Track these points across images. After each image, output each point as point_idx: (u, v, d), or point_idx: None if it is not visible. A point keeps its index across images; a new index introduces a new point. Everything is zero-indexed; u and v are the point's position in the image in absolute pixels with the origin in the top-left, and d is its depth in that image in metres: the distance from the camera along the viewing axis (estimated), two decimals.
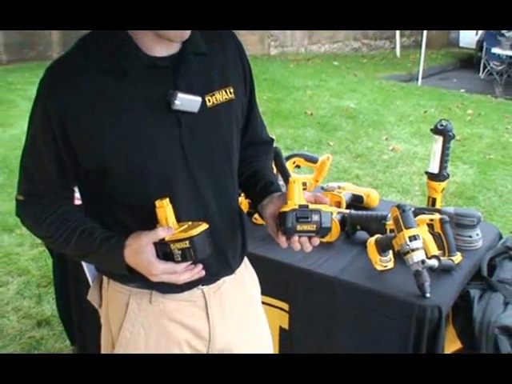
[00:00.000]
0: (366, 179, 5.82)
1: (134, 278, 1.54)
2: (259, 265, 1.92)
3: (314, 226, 1.50)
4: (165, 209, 1.44)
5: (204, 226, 1.44)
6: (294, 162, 2.66)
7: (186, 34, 1.45)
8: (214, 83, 1.56)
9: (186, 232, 1.43)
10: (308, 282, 2.20)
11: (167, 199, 1.44)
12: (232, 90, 1.59)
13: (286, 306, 2.27)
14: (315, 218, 1.50)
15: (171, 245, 1.43)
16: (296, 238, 1.52)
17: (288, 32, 12.71)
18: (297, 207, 1.51)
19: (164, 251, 1.44)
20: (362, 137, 7.16)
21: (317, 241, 1.55)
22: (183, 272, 1.47)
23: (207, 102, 1.53)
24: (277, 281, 2.25)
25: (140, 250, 1.44)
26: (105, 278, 1.69)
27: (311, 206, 1.51)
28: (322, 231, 1.52)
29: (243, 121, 1.69)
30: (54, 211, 1.57)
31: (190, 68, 1.51)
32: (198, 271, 1.50)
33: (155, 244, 1.44)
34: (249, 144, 1.75)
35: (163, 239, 1.43)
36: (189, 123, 1.50)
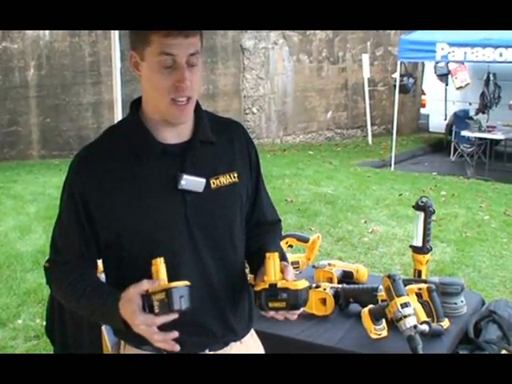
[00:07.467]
0: (349, 261, 5.95)
1: (146, 340, 1.67)
2: (260, 340, 2.05)
3: (284, 303, 1.68)
4: (158, 266, 1.62)
5: (184, 283, 1.60)
6: (286, 242, 2.82)
7: (185, 119, 1.71)
8: (218, 168, 1.79)
9: (166, 285, 1.59)
10: (308, 352, 2.31)
11: (161, 259, 1.62)
12: (236, 175, 1.81)
13: None
14: (283, 296, 1.68)
15: (152, 296, 1.59)
16: (272, 312, 1.70)
17: (263, 124, 13.07)
18: (267, 286, 1.69)
19: (148, 304, 1.60)
20: (341, 221, 7.38)
21: (294, 314, 1.71)
22: (159, 333, 1.60)
23: (211, 183, 1.76)
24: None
25: (129, 301, 1.62)
26: (122, 343, 1.85)
27: (280, 285, 1.68)
28: (291, 307, 1.69)
29: (250, 202, 1.90)
30: (73, 274, 1.76)
31: (197, 154, 1.75)
32: (172, 337, 1.62)
33: (142, 296, 1.60)
34: (256, 223, 1.95)
35: (147, 291, 1.60)
36: (194, 201, 1.73)
